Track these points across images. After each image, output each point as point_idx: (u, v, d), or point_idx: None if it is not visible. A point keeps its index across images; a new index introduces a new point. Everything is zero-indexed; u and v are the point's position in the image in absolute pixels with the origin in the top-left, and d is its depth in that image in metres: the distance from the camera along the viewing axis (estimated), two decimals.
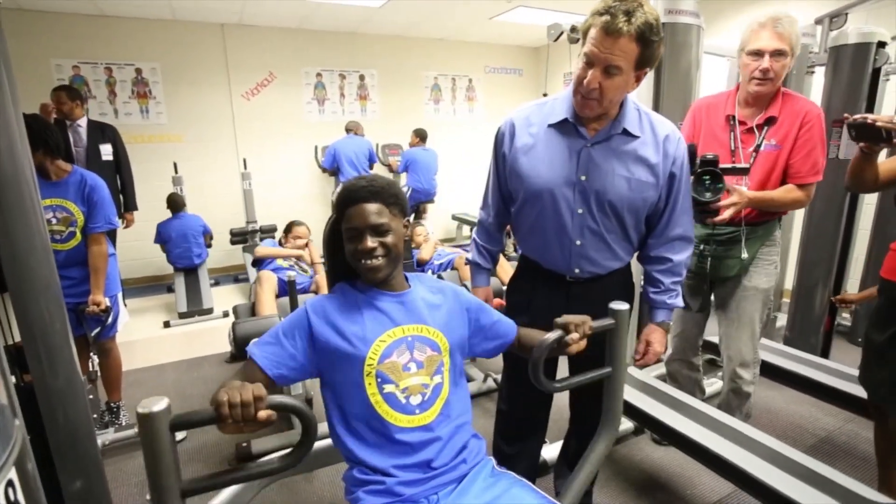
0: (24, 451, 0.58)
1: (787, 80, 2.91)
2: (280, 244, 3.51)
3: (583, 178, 1.26)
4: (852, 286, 3.07)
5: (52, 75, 4.50)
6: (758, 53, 1.62)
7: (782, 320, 2.95)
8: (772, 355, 2.21)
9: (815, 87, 2.86)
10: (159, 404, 0.74)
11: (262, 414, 0.79)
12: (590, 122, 1.26)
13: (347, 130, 5.38)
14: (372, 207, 1.05)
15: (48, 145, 2.00)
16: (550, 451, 1.99)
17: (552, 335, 1.05)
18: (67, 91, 3.51)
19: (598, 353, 1.17)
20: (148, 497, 0.76)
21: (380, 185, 1.07)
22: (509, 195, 1.42)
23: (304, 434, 0.82)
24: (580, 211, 1.28)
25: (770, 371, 2.15)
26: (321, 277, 2.52)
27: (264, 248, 3.39)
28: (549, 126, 1.29)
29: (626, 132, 1.26)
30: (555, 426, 2.14)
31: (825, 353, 2.61)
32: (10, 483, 0.50)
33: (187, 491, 0.79)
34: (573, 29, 2.29)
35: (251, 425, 0.79)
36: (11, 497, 0.50)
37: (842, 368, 2.04)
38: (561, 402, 1.63)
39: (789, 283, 2.94)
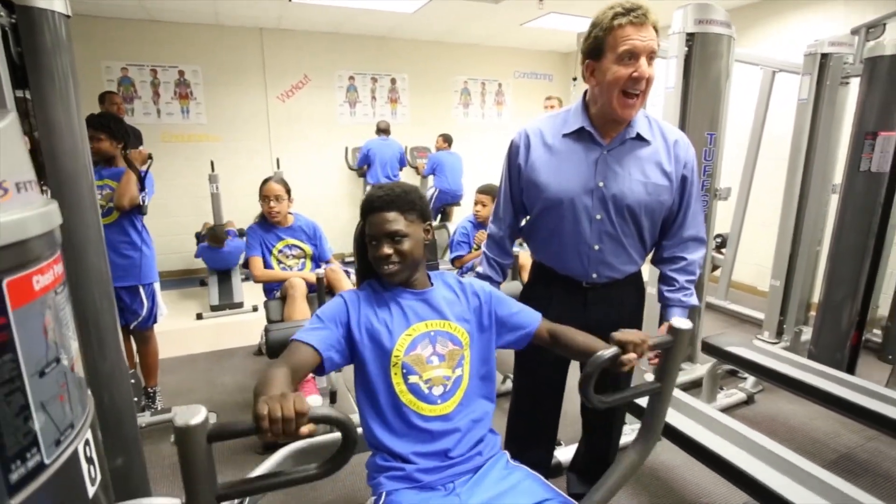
0: (95, 417, 0.67)
1: (819, 91, 2.89)
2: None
3: (601, 183, 1.29)
4: (884, 301, 3.00)
5: (102, 76, 4.75)
6: None
7: (807, 334, 2.90)
8: (795, 369, 2.19)
9: (850, 99, 2.81)
10: (197, 416, 0.70)
11: (305, 430, 0.78)
12: (605, 130, 1.31)
13: (380, 131, 5.44)
14: (388, 216, 1.11)
15: (126, 143, 2.35)
16: (565, 453, 2.02)
17: (608, 352, 0.97)
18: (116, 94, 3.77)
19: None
20: (183, 501, 0.77)
21: (396, 193, 1.13)
22: (521, 207, 1.45)
23: (343, 445, 0.80)
24: (598, 217, 1.31)
25: (792, 385, 2.13)
26: (331, 272, 2.57)
27: (264, 271, 2.64)
28: (564, 136, 1.33)
29: (639, 137, 1.30)
30: (571, 429, 2.17)
31: (851, 369, 2.56)
32: (87, 442, 0.59)
33: (222, 496, 0.77)
34: None
35: (291, 438, 0.78)
36: (87, 453, 0.59)
37: (867, 385, 2.01)
38: (576, 407, 1.67)
39: (816, 295, 2.89)
